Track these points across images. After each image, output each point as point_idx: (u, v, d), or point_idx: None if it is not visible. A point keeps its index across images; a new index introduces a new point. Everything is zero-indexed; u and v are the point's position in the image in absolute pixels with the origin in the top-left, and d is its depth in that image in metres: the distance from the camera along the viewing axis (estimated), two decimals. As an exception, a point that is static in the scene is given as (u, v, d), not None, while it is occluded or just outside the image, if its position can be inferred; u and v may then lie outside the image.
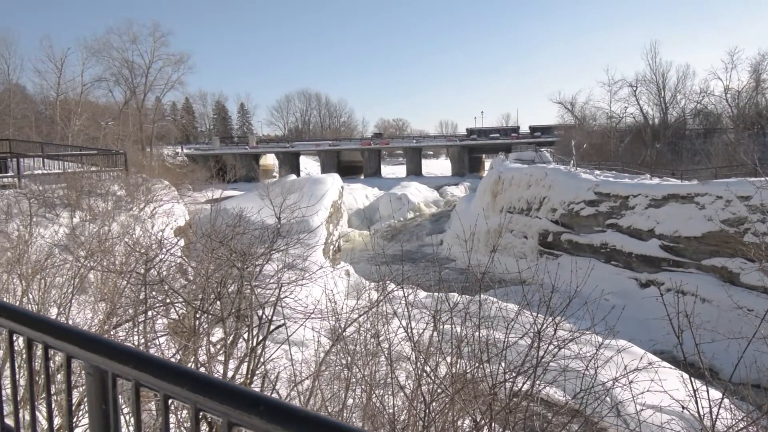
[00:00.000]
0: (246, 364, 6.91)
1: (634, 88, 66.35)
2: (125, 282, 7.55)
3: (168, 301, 7.81)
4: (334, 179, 54.97)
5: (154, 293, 7.80)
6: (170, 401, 1.91)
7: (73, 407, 4.96)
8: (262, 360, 7.11)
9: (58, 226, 13.31)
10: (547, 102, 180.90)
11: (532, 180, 46.36)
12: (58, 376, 5.19)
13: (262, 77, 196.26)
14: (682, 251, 32.05)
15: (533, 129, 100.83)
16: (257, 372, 7.05)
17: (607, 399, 7.06)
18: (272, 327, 7.31)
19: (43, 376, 2.51)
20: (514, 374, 6.58)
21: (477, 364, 6.60)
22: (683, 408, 6.46)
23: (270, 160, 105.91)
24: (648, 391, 7.03)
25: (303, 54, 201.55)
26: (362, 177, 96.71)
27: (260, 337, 7.13)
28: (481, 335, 6.92)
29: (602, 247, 37.28)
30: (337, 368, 7.92)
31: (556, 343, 6.50)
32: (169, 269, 8.26)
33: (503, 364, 6.70)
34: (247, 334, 7.14)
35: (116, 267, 7.88)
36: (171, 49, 79.72)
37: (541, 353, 6.42)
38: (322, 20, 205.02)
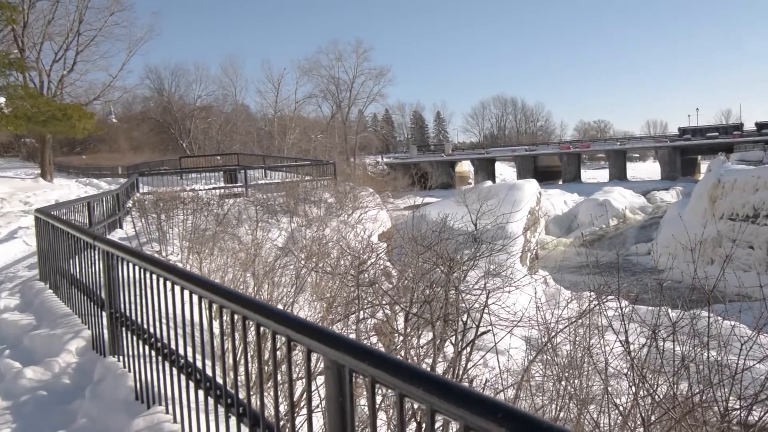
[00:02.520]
0: (452, 368, 6.99)
1: None
2: (339, 283, 8.08)
3: (376, 302, 8.19)
4: (531, 185, 53.73)
5: (363, 294, 8.22)
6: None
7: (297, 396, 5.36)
8: (467, 365, 7.14)
9: (279, 231, 14.71)
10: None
11: (759, 183, 41.00)
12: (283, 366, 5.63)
13: (458, 85, 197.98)
14: None
15: (760, 126, 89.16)
16: (463, 377, 7.09)
17: None
18: (478, 332, 7.30)
19: (285, 366, 2.74)
20: (750, 402, 5.81)
21: (705, 387, 5.94)
22: None
23: (465, 167, 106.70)
24: None
25: (498, 59, 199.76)
26: (560, 182, 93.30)
27: (465, 343, 7.16)
28: (710, 355, 6.22)
29: None
30: (541, 379, 7.67)
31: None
32: (377, 272, 8.66)
33: (736, 390, 5.95)
34: (453, 338, 7.22)
35: (333, 269, 8.47)
36: (372, 63, 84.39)
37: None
38: (517, 24, 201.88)
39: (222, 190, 20.90)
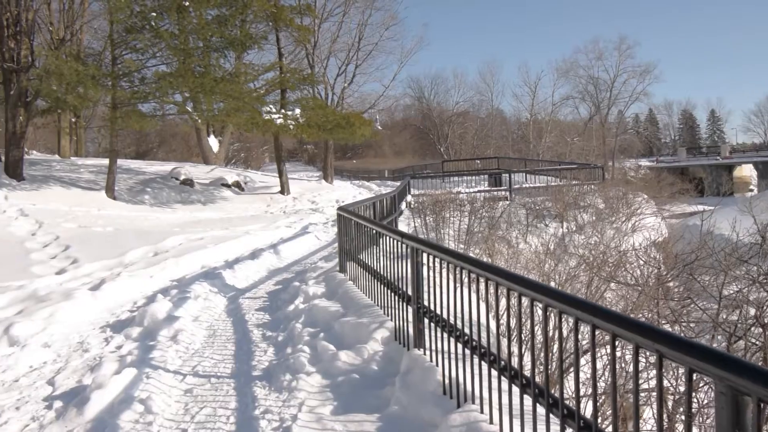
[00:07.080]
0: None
1: None
2: (638, 295, 7.49)
3: (673, 319, 7.41)
4: (839, 193, 45.06)
5: (664, 306, 7.49)
6: None
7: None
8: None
9: (548, 236, 14.36)
10: None
11: None
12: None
13: (738, 79, 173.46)
14: None
15: None
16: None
17: None
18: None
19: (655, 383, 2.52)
20: None
21: None
22: None
23: (746, 171, 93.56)
24: None
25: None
26: None
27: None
28: None
29: None
30: None
31: None
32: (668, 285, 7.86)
33: None
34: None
35: (635, 279, 7.89)
36: (636, 60, 78.44)
37: None
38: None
39: (485, 194, 21.18)
